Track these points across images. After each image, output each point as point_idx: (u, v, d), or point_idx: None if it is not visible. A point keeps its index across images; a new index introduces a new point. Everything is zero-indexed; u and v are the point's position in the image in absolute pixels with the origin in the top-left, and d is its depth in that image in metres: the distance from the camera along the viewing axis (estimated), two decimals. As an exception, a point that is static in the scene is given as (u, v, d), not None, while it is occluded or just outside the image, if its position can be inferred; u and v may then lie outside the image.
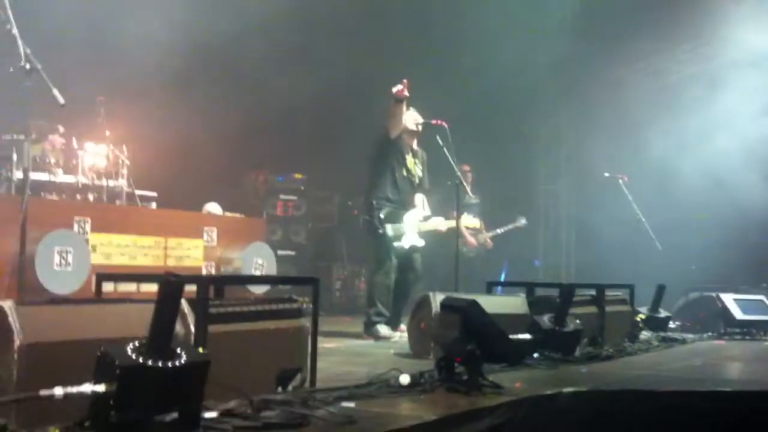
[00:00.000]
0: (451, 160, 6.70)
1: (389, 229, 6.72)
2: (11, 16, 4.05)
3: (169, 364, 2.46)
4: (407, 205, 6.95)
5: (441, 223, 7.13)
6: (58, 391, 2.30)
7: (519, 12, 10.55)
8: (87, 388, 2.32)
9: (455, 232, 7.07)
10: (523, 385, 3.89)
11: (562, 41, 12.54)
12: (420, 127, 6.94)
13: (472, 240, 10.44)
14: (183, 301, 3.00)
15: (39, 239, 6.18)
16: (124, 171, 8.05)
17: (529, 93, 12.84)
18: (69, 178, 7.32)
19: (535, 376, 4.35)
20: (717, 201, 9.54)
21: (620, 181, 9.12)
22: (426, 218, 7.08)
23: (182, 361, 2.50)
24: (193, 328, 2.99)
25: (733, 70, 9.95)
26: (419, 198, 7.16)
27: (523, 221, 10.82)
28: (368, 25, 11.07)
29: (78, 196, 7.45)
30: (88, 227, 6.95)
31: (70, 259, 6.41)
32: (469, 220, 7.71)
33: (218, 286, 3.59)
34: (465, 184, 6.91)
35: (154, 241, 7.52)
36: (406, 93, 6.39)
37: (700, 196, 9.68)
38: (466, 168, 10.32)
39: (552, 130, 13.12)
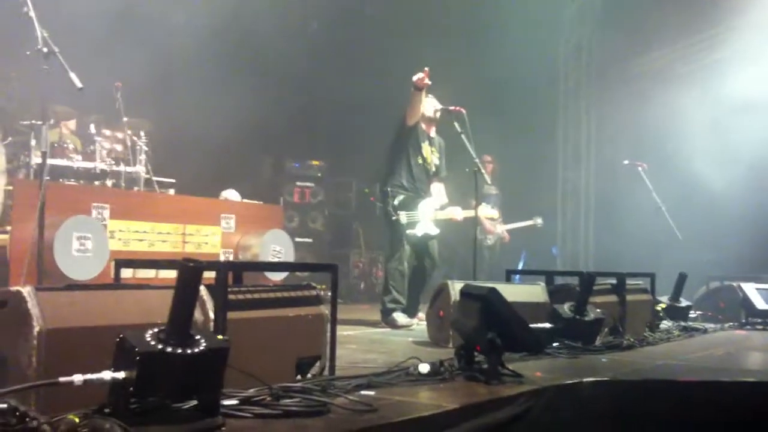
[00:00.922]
0: (469, 146, 6.64)
1: (402, 217, 6.68)
2: (29, -1, 4.04)
3: (189, 351, 2.44)
4: (422, 192, 6.91)
5: (458, 212, 7.09)
6: (78, 378, 2.28)
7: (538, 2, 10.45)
8: (106, 375, 2.31)
9: (474, 221, 7.03)
10: (543, 375, 3.85)
11: (582, 28, 12.48)
12: (438, 114, 6.88)
13: (491, 227, 10.40)
14: (202, 288, 2.98)
15: (58, 225, 6.20)
16: (142, 157, 8.07)
17: (549, 81, 12.77)
18: (87, 164, 7.34)
19: (555, 365, 4.32)
20: (739, 188, 9.44)
21: (639, 168, 9.03)
22: (443, 207, 7.04)
23: (201, 348, 2.48)
24: (212, 315, 2.98)
25: (756, 54, 9.82)
26: (436, 186, 7.11)
27: (539, 221, 10.79)
28: (388, 15, 11.02)
29: (96, 182, 7.47)
30: (106, 213, 6.97)
31: (89, 245, 6.43)
32: (487, 211, 7.67)
33: (237, 273, 3.57)
34: (484, 172, 6.83)
35: (172, 227, 7.53)
36: (428, 81, 6.33)
37: (722, 183, 9.56)
38: (488, 158, 10.30)
39: (572, 117, 13.01)
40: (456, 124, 6.68)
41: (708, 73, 10.58)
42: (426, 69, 6.29)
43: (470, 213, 7.14)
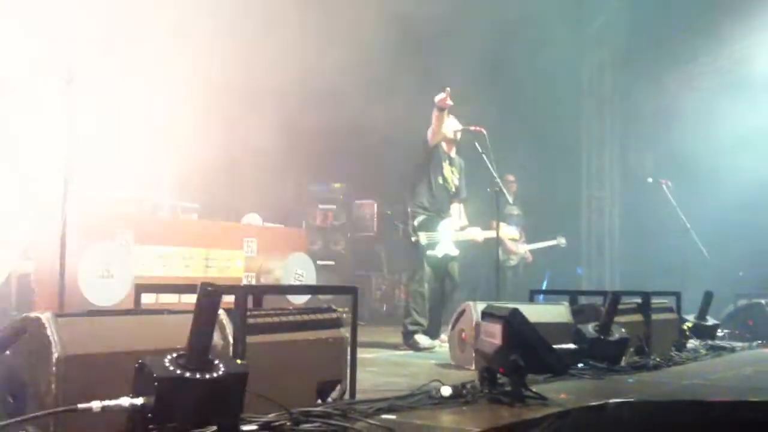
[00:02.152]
0: (490, 166, 6.62)
1: (423, 237, 6.66)
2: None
3: (207, 376, 2.44)
4: (443, 213, 6.89)
5: (478, 233, 7.08)
6: (96, 404, 2.28)
7: (560, 19, 10.44)
8: (125, 401, 2.31)
9: (496, 242, 6.99)
10: (568, 396, 3.80)
11: (605, 46, 12.47)
12: (459, 135, 6.88)
13: (513, 247, 10.34)
14: (221, 312, 2.98)
15: (82, 251, 6.23)
16: (166, 182, 8.13)
17: (573, 100, 12.74)
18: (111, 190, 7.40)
19: (580, 386, 4.26)
20: (766, 205, 9.32)
21: (664, 186, 8.95)
22: (462, 228, 7.01)
23: (220, 373, 2.47)
24: (231, 339, 2.97)
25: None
26: (455, 207, 7.09)
27: (562, 241, 10.72)
28: (409, 37, 11.05)
29: (120, 208, 7.52)
30: (130, 239, 7.01)
31: (112, 270, 6.46)
32: (507, 231, 7.63)
33: (257, 296, 3.56)
34: (505, 192, 6.79)
35: (195, 252, 7.56)
36: (450, 102, 6.33)
37: (748, 200, 9.45)
38: (511, 178, 10.27)
39: (595, 135, 12.95)
40: (477, 144, 6.67)
41: (735, 88, 10.51)
42: (447, 89, 6.29)
43: (490, 233, 7.12)
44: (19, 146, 6.01)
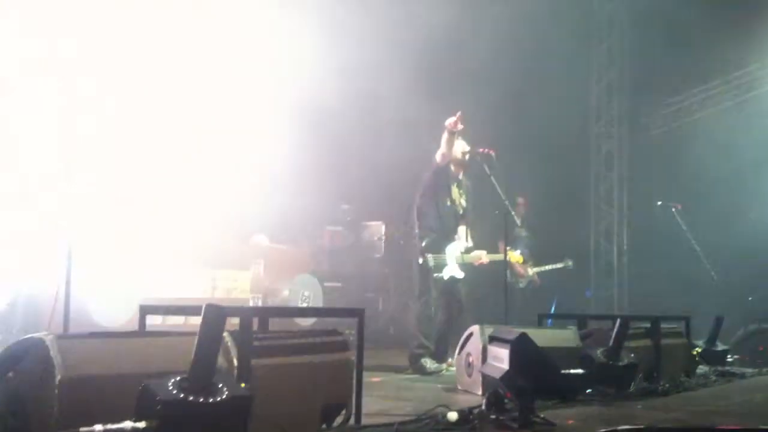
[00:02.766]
0: (498, 188, 6.59)
1: (430, 259, 6.63)
2: None
3: (211, 400, 2.41)
4: (450, 235, 6.86)
5: (483, 256, 7.06)
6: (98, 428, 2.26)
7: (569, 41, 10.48)
8: (127, 425, 2.29)
9: (504, 264, 6.96)
10: (575, 422, 3.76)
11: (612, 69, 12.49)
12: (467, 157, 6.85)
13: (522, 270, 10.31)
14: (226, 334, 2.96)
15: (89, 272, 6.23)
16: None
17: (582, 121, 12.74)
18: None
19: (588, 412, 4.21)
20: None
21: (673, 209, 8.91)
22: (468, 250, 6.98)
23: (224, 397, 2.45)
24: (236, 362, 2.94)
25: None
26: (462, 229, 7.06)
27: (570, 263, 10.68)
28: (420, 58, 11.10)
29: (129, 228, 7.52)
30: (138, 259, 7.00)
31: (119, 291, 6.46)
32: (511, 254, 7.60)
33: (262, 318, 3.54)
34: (513, 214, 6.77)
35: (202, 272, 7.55)
36: (461, 126, 6.31)
37: (758, 223, 9.40)
38: (521, 201, 10.26)
39: (604, 158, 12.94)
40: (485, 166, 6.65)
41: (743, 111, 10.49)
42: (459, 113, 6.28)
43: (495, 256, 7.12)
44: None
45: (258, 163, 9.76)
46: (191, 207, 8.58)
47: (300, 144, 10.27)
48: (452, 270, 6.75)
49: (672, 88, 11.63)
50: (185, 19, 8.10)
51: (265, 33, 9.32)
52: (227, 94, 9.06)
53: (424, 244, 6.64)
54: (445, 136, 6.48)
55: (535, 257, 10.63)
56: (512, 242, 10.09)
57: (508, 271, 7.30)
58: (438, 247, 6.68)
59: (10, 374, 2.56)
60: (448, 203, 6.84)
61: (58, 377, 2.42)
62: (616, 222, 12.80)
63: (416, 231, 6.69)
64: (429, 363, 6.41)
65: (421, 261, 6.58)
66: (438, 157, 6.69)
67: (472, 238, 7.06)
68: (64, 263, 4.22)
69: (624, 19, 12.60)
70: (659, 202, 9.25)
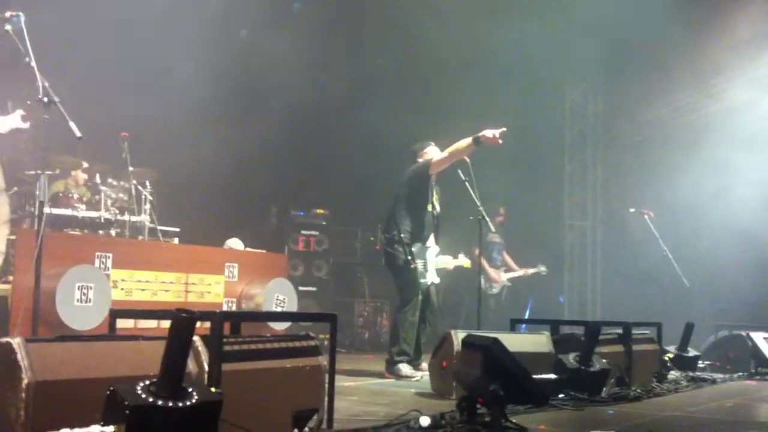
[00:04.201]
0: (473, 194, 6.60)
1: (419, 265, 6.62)
2: (30, 49, 4.06)
3: (180, 404, 2.40)
4: (427, 240, 6.85)
5: (449, 261, 7.13)
6: (65, 432, 2.24)
7: (544, 50, 10.54)
8: (95, 429, 2.26)
9: (478, 269, 7.00)
10: (548, 428, 3.77)
11: (586, 80, 12.58)
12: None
13: (496, 276, 10.34)
14: (197, 338, 2.94)
15: (61, 275, 6.17)
16: (147, 206, 8.07)
17: (556, 129, 12.83)
18: (92, 213, 7.34)
19: (560, 417, 4.23)
20: (747, 236, 9.38)
21: (646, 216, 8.99)
22: (436, 255, 7.00)
23: (194, 401, 2.43)
24: (206, 366, 2.92)
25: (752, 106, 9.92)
26: (432, 234, 7.05)
27: (543, 268, 10.72)
28: (396, 66, 11.13)
29: (101, 232, 7.46)
30: (109, 263, 6.95)
31: (91, 294, 6.39)
32: (462, 260, 7.66)
33: (234, 323, 3.52)
34: (488, 220, 6.78)
35: (175, 276, 7.49)
36: (500, 141, 6.14)
37: (730, 231, 9.50)
38: (502, 211, 10.31)
39: (578, 166, 13.03)
40: (460, 172, 6.65)
41: (717, 120, 10.61)
42: (504, 129, 6.11)
43: (460, 262, 7.37)
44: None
45: (233, 167, 9.73)
46: (168, 209, 8.55)
47: (275, 148, 10.26)
48: (432, 275, 6.77)
49: (644, 99, 11.74)
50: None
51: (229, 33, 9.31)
52: (205, 95, 9.01)
53: (414, 250, 6.60)
54: (461, 145, 6.39)
55: (507, 264, 10.68)
56: (486, 247, 10.14)
57: (482, 277, 7.32)
58: (421, 253, 6.68)
59: (-23, 378, 2.52)
60: (430, 209, 6.82)
61: (25, 381, 2.39)
62: (590, 228, 12.89)
63: (400, 236, 6.61)
64: (405, 368, 6.40)
65: (413, 266, 6.54)
66: (433, 164, 6.63)
67: (439, 243, 7.06)
68: (33, 264, 4.16)
69: (600, 28, 12.67)
70: (632, 209, 9.34)
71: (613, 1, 10.27)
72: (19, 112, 4.40)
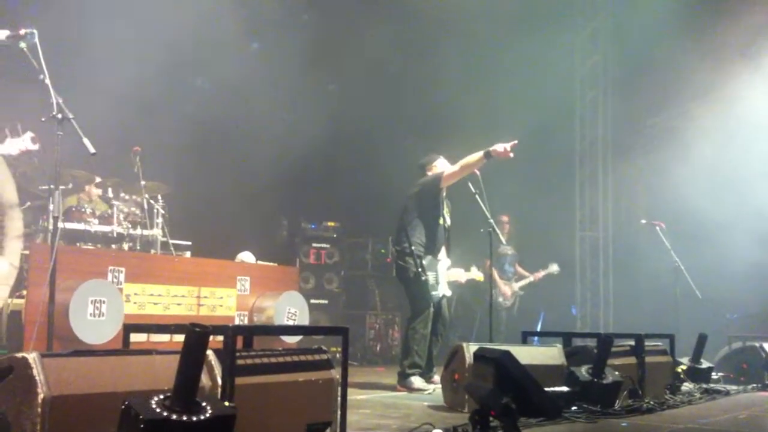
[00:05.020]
0: (483, 206, 6.61)
1: (431, 278, 6.62)
2: (44, 66, 4.12)
3: (194, 418, 2.41)
4: (439, 253, 6.86)
5: (461, 274, 7.13)
6: (80, 446, 2.25)
7: (553, 58, 10.56)
8: (109, 443, 2.28)
9: (489, 282, 7.00)
10: (560, 440, 3.76)
11: (596, 87, 12.58)
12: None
13: (506, 290, 10.33)
14: (210, 352, 2.96)
15: (74, 289, 6.20)
16: (159, 220, 8.11)
17: (566, 139, 12.81)
18: (104, 228, 7.39)
19: (573, 430, 4.22)
20: (760, 246, 9.33)
21: (657, 228, 8.97)
22: (448, 268, 7.01)
23: (208, 415, 2.45)
24: (219, 381, 2.94)
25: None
26: (443, 247, 7.07)
27: (555, 267, 10.68)
28: (405, 75, 11.17)
29: (113, 246, 7.50)
30: (122, 277, 6.98)
31: (104, 309, 6.42)
32: (474, 273, 7.66)
33: (246, 337, 3.53)
34: (498, 232, 6.78)
35: (187, 290, 7.52)
36: (511, 155, 6.19)
37: (743, 241, 9.46)
38: (505, 218, 10.29)
39: (588, 176, 13.00)
40: (470, 185, 6.66)
41: (727, 130, 10.57)
42: (515, 142, 6.15)
43: (472, 275, 7.36)
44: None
45: (244, 180, 9.79)
46: (180, 223, 8.59)
47: (286, 161, 10.30)
48: (443, 288, 6.78)
49: (656, 106, 11.72)
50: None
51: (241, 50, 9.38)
52: (217, 109, 9.08)
53: (425, 263, 6.61)
54: (473, 158, 6.40)
55: (519, 275, 10.68)
56: (498, 260, 10.15)
57: (494, 290, 7.33)
58: (432, 265, 6.70)
59: (-7, 393, 2.55)
60: (441, 222, 6.84)
61: (41, 396, 2.41)
62: (602, 240, 12.85)
63: (411, 249, 6.62)
64: (417, 381, 6.40)
65: (424, 278, 6.55)
66: (445, 177, 6.64)
67: (450, 256, 7.08)
68: (47, 279, 4.19)
69: (608, 37, 12.70)
70: (643, 221, 9.32)
71: (622, 9, 10.30)
72: (29, 134, 4.46)
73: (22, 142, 4.32)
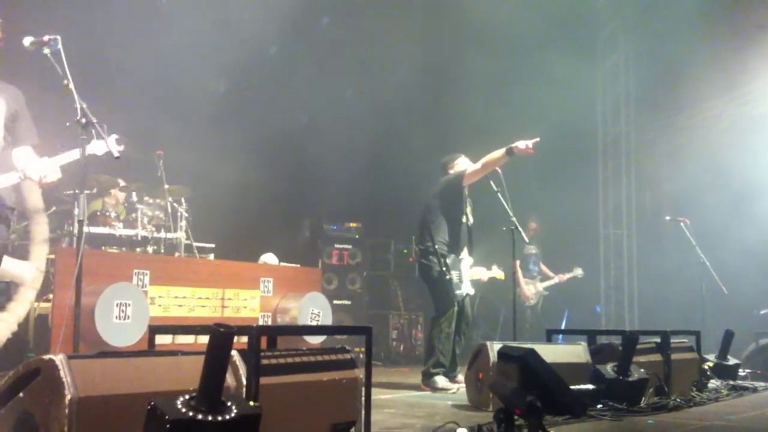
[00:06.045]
0: (505, 204, 6.58)
1: (455, 276, 6.61)
2: (68, 70, 4.16)
3: (220, 418, 2.42)
4: (462, 252, 6.85)
5: (483, 273, 7.12)
6: (107, 446, 2.27)
7: (575, 58, 10.52)
8: (136, 443, 2.30)
9: (513, 280, 6.97)
10: (586, 438, 3.74)
11: (619, 85, 12.50)
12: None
13: (527, 292, 10.31)
14: (234, 353, 2.97)
15: (99, 292, 6.26)
16: (183, 223, 8.17)
17: (589, 137, 12.75)
18: (129, 231, 7.45)
19: (599, 428, 4.20)
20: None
21: (682, 224, 8.90)
22: (470, 266, 7.00)
23: (233, 415, 2.46)
24: (244, 380, 2.95)
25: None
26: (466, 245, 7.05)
27: (579, 271, 10.66)
28: (424, 76, 11.16)
29: (138, 249, 7.57)
30: (147, 280, 7.03)
31: (129, 311, 6.48)
32: (496, 272, 7.64)
33: (271, 337, 3.55)
34: (521, 231, 6.75)
35: (211, 292, 7.57)
36: (533, 152, 6.15)
37: (766, 236, 9.37)
38: (533, 225, 10.32)
39: (612, 174, 12.93)
40: (492, 183, 6.64)
41: (750, 127, 10.48)
42: (537, 140, 6.13)
43: (494, 274, 7.42)
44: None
45: (266, 182, 9.83)
46: (203, 226, 8.65)
47: (308, 163, 10.34)
48: (467, 287, 6.76)
49: (680, 104, 11.63)
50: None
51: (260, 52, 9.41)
52: (239, 113, 9.12)
53: (449, 261, 6.60)
54: (495, 155, 6.37)
55: (544, 274, 10.65)
56: (523, 259, 10.13)
57: (517, 288, 7.31)
58: (455, 264, 6.68)
59: (21, 395, 2.58)
60: (464, 220, 6.82)
61: (68, 397, 2.44)
62: (626, 237, 12.77)
63: (435, 248, 6.61)
64: (441, 380, 6.39)
65: (448, 277, 6.53)
66: (467, 174, 6.62)
67: (473, 254, 7.06)
68: (73, 282, 4.23)
69: (629, 36, 12.63)
70: (668, 217, 9.25)
71: (642, 10, 10.23)
72: (114, 136, 4.49)
73: (108, 144, 4.36)
